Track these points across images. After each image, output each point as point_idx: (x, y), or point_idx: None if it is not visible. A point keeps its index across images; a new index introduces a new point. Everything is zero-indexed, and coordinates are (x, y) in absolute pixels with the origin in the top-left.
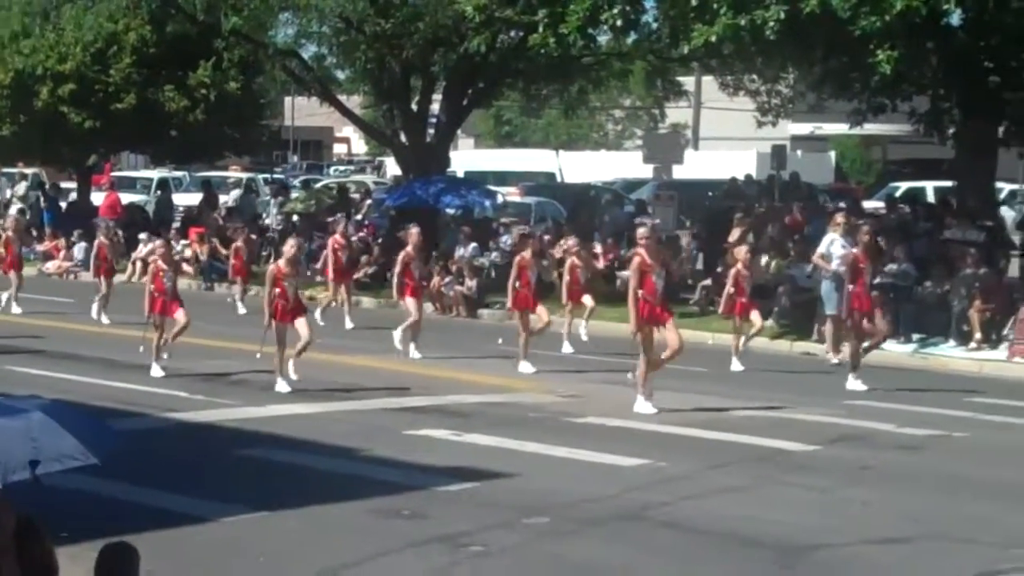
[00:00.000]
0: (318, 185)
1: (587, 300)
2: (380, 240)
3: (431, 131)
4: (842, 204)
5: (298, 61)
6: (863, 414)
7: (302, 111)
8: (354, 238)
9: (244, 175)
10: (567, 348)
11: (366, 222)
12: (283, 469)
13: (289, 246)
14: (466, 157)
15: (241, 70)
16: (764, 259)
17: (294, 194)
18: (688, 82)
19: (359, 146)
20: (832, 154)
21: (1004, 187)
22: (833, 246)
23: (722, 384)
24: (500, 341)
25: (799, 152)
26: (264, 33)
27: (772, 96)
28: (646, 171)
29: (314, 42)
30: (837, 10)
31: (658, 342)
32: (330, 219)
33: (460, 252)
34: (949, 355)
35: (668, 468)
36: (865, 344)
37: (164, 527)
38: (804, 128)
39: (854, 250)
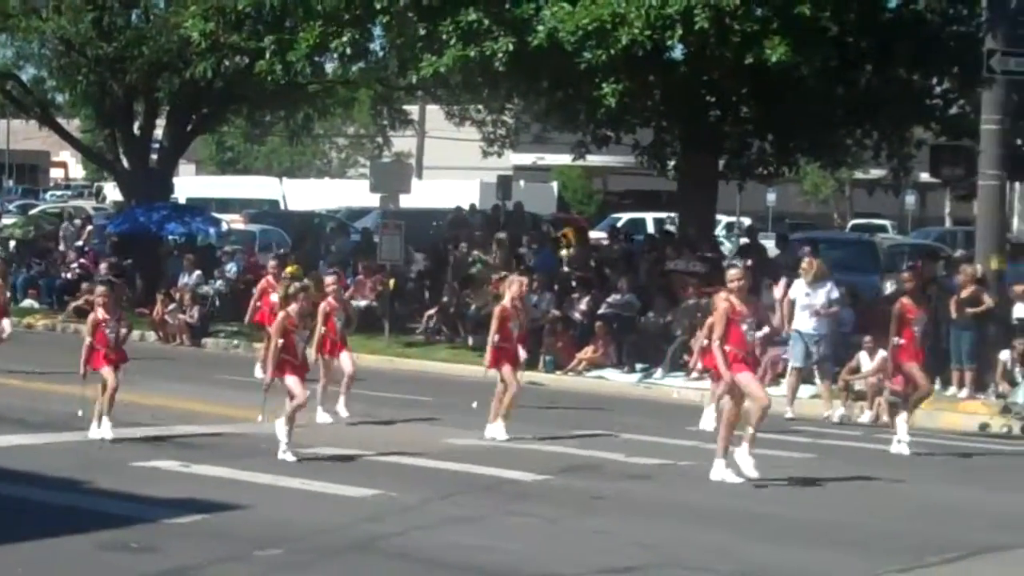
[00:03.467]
0: (35, 210)
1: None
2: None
3: (154, 156)
4: (807, 248)
5: (16, 83)
6: (592, 444)
7: (18, 134)
8: (74, 265)
9: None
10: None
11: (87, 249)
12: (4, 502)
13: (297, 294)
14: (188, 183)
15: None
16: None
17: (10, 220)
18: (413, 111)
19: (77, 171)
20: (554, 184)
21: (721, 219)
22: (810, 298)
23: (451, 413)
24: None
25: (522, 182)
26: None
27: (497, 126)
28: (370, 199)
29: (34, 64)
30: (564, 43)
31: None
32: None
33: (184, 280)
34: (671, 384)
35: (400, 498)
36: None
37: None
38: (527, 158)
39: (903, 299)
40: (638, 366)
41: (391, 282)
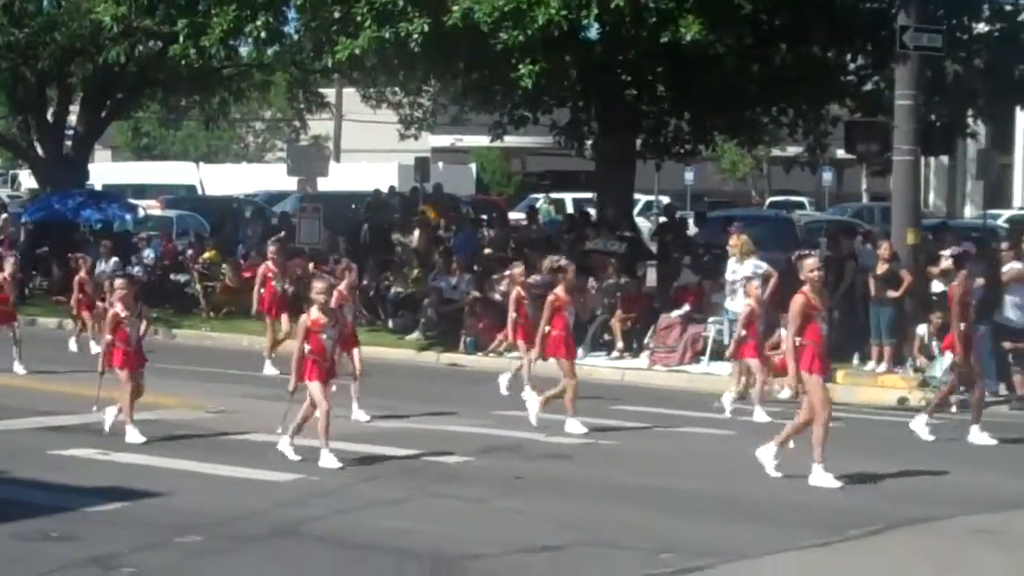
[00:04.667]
0: None
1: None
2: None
3: (69, 143)
4: (736, 224)
5: None
6: (512, 425)
7: None
8: None
9: None
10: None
11: (2, 237)
12: None
13: (318, 291)
14: (104, 170)
15: None
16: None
17: None
18: (330, 94)
19: None
20: (473, 166)
21: (640, 198)
22: (735, 275)
23: (373, 397)
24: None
25: (440, 164)
26: None
27: (415, 109)
28: (288, 183)
29: None
30: (480, 23)
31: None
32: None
33: (101, 267)
34: (593, 364)
35: (321, 482)
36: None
37: None
38: (445, 140)
39: (954, 283)
40: None
41: (310, 266)
